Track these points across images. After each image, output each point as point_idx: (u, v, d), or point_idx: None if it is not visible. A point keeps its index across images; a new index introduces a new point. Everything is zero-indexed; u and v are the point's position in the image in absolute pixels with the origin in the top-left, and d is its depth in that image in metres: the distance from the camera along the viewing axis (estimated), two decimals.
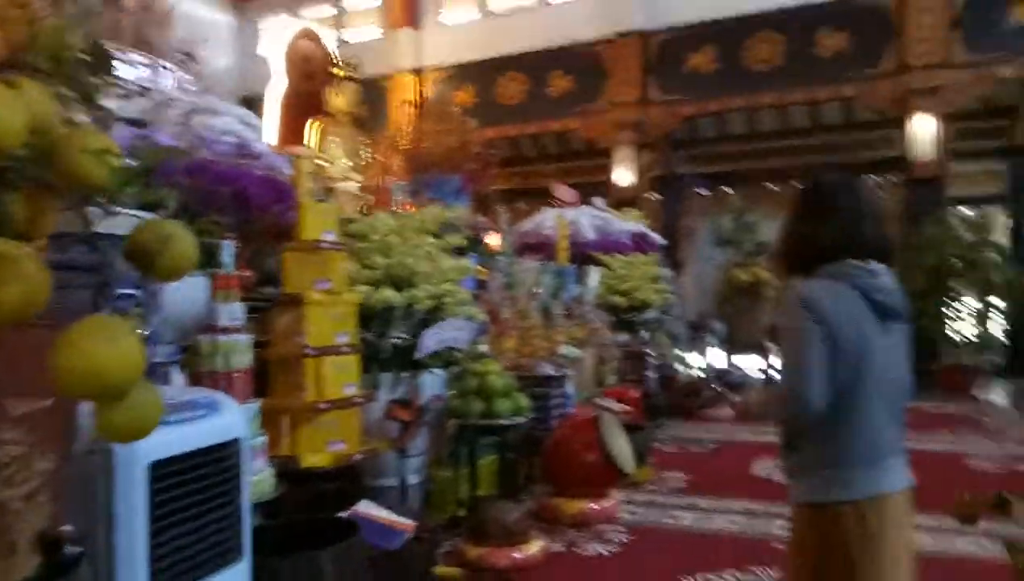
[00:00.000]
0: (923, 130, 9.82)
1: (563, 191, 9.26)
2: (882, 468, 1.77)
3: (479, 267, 5.48)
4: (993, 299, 9.27)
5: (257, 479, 2.79)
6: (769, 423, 1.92)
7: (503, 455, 4.57)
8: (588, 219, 8.31)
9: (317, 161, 6.24)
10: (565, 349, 5.66)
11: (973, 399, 8.77)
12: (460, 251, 5.00)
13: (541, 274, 6.23)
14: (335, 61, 7.18)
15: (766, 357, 10.11)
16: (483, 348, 4.80)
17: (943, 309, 9.28)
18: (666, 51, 11.47)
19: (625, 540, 4.17)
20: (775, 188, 12.96)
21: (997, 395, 9.09)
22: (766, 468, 5.76)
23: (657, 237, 8.89)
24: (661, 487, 5.28)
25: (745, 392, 8.32)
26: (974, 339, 9.28)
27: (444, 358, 4.42)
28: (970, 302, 9.29)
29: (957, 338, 9.31)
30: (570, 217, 7.95)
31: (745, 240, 11.62)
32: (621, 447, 4.56)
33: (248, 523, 2.19)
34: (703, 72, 11.21)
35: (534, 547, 3.82)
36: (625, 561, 3.91)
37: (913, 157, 9.91)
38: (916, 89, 9.88)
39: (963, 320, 9.36)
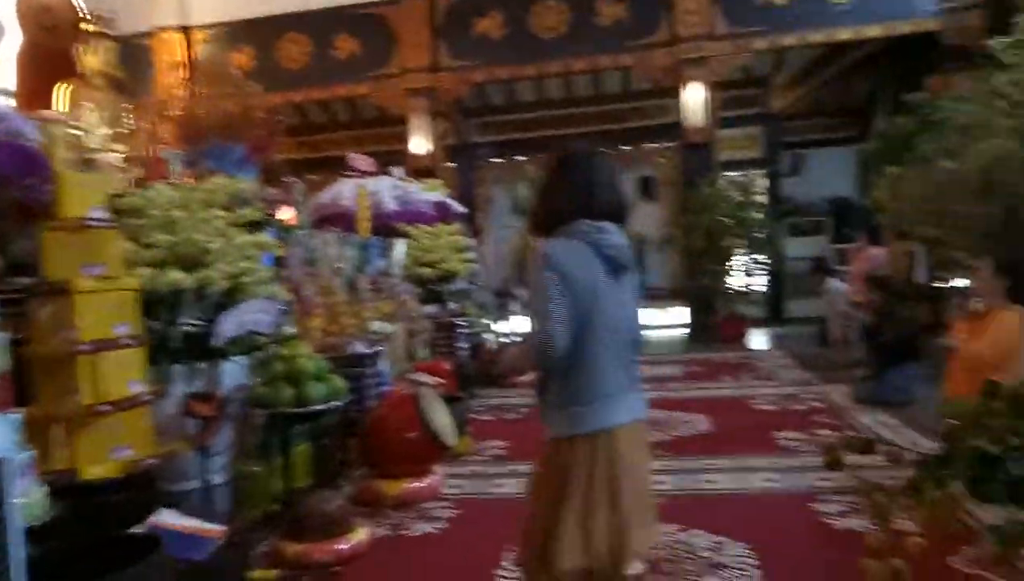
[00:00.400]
0: (694, 98, 10.56)
1: (359, 160, 8.86)
2: (611, 405, 2.05)
3: (276, 243, 5.06)
4: (757, 255, 10.28)
5: (26, 502, 2.33)
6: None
7: (318, 442, 4.26)
8: (389, 189, 8.01)
9: (71, 128, 5.39)
10: (375, 325, 5.42)
11: (747, 347, 9.72)
12: (255, 226, 4.56)
13: (343, 248, 5.90)
14: (82, 14, 6.22)
15: None
16: (289, 330, 4.44)
17: (718, 265, 10.14)
18: (454, 15, 11.32)
19: (452, 515, 4.08)
20: None
21: (763, 341, 10.16)
22: None
23: (459, 206, 8.80)
24: (482, 457, 5.25)
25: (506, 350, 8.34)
26: (744, 291, 10.26)
27: (246, 343, 4.01)
28: (740, 258, 10.23)
29: (731, 292, 10.24)
30: (370, 188, 7.62)
31: None
32: (442, 421, 4.45)
33: (20, 555, 1.87)
34: (492, 37, 11.21)
35: (358, 535, 3.61)
36: (454, 537, 3.81)
37: (687, 124, 10.63)
38: (686, 59, 10.57)
39: (735, 275, 10.30)
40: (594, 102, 13.43)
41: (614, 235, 2.08)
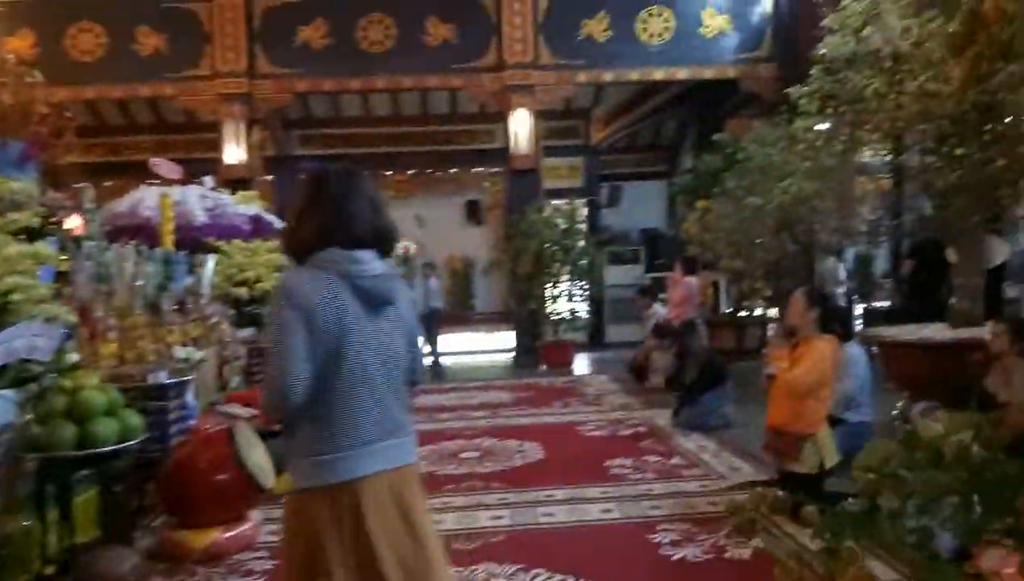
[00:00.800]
0: (521, 125, 10.71)
1: (163, 166, 8.00)
2: (364, 452, 1.83)
3: (58, 255, 4.35)
4: (580, 281, 10.55)
5: None
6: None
7: (107, 488, 3.64)
8: (197, 199, 7.28)
9: None
10: (181, 351, 4.80)
11: (572, 372, 9.89)
12: (31, 235, 3.88)
13: (143, 263, 5.21)
14: None
15: None
16: (73, 357, 3.78)
17: (544, 290, 10.28)
18: (273, 19, 10.69)
19: (269, 567, 3.63)
20: (391, 174, 13.12)
21: (585, 365, 10.41)
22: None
23: (277, 221, 8.21)
24: None
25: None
26: (569, 317, 10.47)
27: (15, 373, 3.35)
28: (566, 284, 10.43)
29: (557, 317, 10.41)
30: (176, 197, 6.88)
31: None
32: (258, 459, 3.97)
33: None
34: (315, 47, 10.71)
35: None
36: None
37: (513, 150, 10.75)
38: (513, 85, 10.71)
39: (560, 300, 10.49)
40: (421, 122, 13.28)
41: (370, 265, 1.89)
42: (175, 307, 5.23)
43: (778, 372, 4.06)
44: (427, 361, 10.35)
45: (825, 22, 6.15)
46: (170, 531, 3.82)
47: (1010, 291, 7.44)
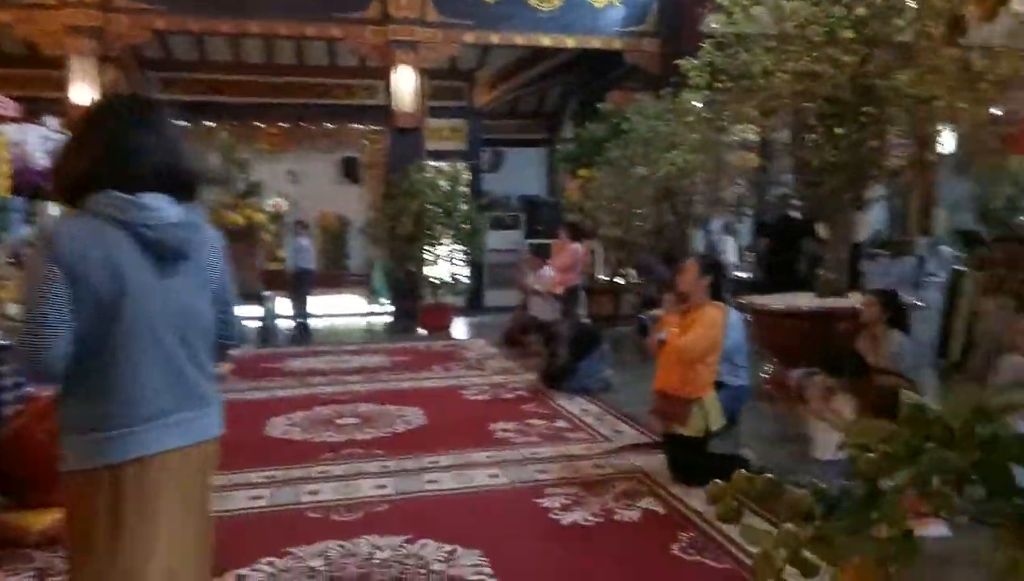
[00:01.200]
0: (404, 82, 10.29)
1: None
2: (153, 427, 1.62)
3: None
4: (462, 245, 10.33)
5: None
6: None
7: None
8: (38, 141, 6.45)
9: None
10: (15, 308, 4.23)
11: (451, 336, 9.72)
12: None
13: None
14: None
15: (265, 306, 9.57)
16: None
17: (425, 253, 10.00)
18: None
19: None
20: (263, 126, 12.34)
21: (464, 330, 10.29)
22: (280, 427, 5.31)
23: None
24: None
25: None
26: (450, 281, 10.25)
27: None
28: (446, 247, 10.18)
29: (437, 280, 10.16)
30: (12, 136, 6.06)
31: (236, 179, 10.75)
32: None
33: None
34: None
35: None
36: None
37: (396, 108, 10.32)
38: (397, 40, 10.25)
39: (440, 263, 10.24)
40: (298, 73, 12.53)
41: (161, 211, 1.62)
42: (10, 260, 4.64)
43: (669, 338, 4.05)
44: (293, 323, 9.88)
45: None
46: (3, 512, 3.36)
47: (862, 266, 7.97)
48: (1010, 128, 5.76)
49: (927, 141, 6.50)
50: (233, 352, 1.84)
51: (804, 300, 6.13)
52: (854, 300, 5.78)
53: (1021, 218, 7.37)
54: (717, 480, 1.08)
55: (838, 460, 3.72)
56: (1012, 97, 5.53)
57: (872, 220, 9.26)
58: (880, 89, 5.44)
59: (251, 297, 9.36)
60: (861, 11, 5.37)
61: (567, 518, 3.60)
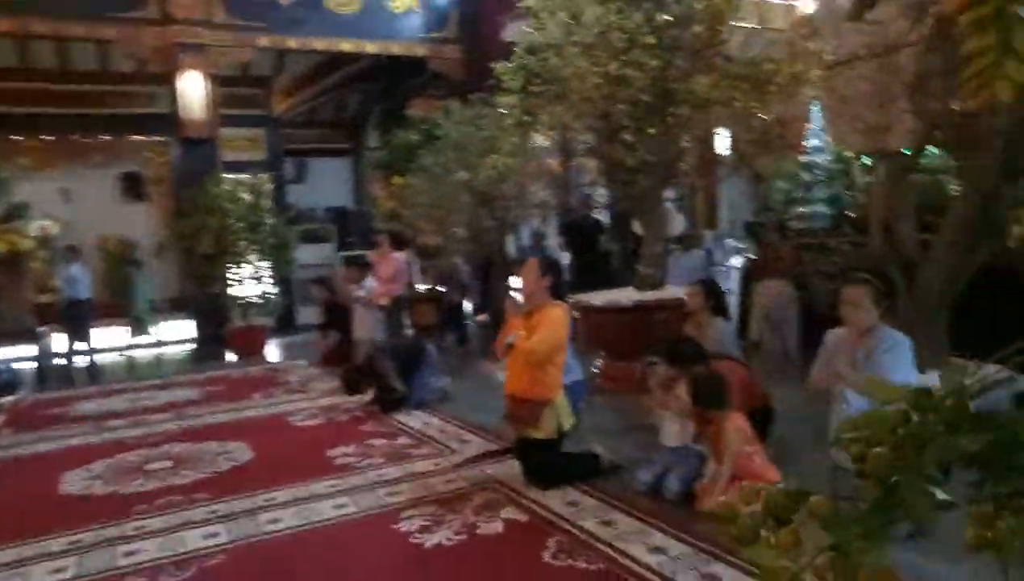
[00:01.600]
0: (193, 89, 9.46)
1: None
2: None
3: None
4: (269, 261, 9.65)
5: None
6: None
7: None
8: None
9: None
10: None
11: (265, 359, 9.05)
12: None
13: None
14: None
15: (40, 344, 8.32)
16: None
17: (228, 272, 9.23)
18: None
19: None
20: (22, 139, 10.81)
21: (279, 351, 9.64)
22: (79, 482, 4.57)
23: None
24: None
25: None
26: (258, 300, 9.52)
27: None
28: (252, 264, 9.45)
29: (244, 301, 9.40)
30: None
31: None
32: None
33: None
34: None
35: None
36: None
37: (185, 116, 9.46)
38: (182, 43, 9.41)
39: (247, 282, 9.48)
40: (61, 79, 11.10)
41: None
42: None
43: (517, 341, 3.97)
44: (72, 360, 8.75)
45: (521, 4, 6.24)
46: None
47: None
48: (786, 129, 6.34)
49: (709, 142, 7.04)
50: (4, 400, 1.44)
51: (624, 295, 6.38)
52: (671, 292, 6.11)
53: (796, 210, 8.17)
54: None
55: (684, 446, 3.85)
56: (790, 101, 6.08)
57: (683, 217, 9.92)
58: (680, 93, 5.77)
59: (22, 334, 8.12)
60: (660, 18, 5.68)
61: (430, 540, 3.38)
